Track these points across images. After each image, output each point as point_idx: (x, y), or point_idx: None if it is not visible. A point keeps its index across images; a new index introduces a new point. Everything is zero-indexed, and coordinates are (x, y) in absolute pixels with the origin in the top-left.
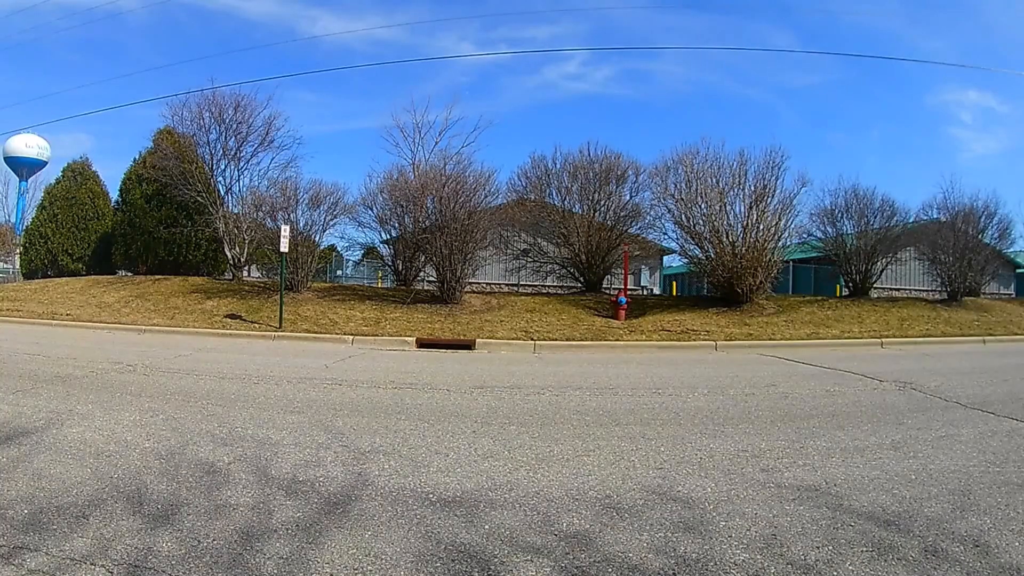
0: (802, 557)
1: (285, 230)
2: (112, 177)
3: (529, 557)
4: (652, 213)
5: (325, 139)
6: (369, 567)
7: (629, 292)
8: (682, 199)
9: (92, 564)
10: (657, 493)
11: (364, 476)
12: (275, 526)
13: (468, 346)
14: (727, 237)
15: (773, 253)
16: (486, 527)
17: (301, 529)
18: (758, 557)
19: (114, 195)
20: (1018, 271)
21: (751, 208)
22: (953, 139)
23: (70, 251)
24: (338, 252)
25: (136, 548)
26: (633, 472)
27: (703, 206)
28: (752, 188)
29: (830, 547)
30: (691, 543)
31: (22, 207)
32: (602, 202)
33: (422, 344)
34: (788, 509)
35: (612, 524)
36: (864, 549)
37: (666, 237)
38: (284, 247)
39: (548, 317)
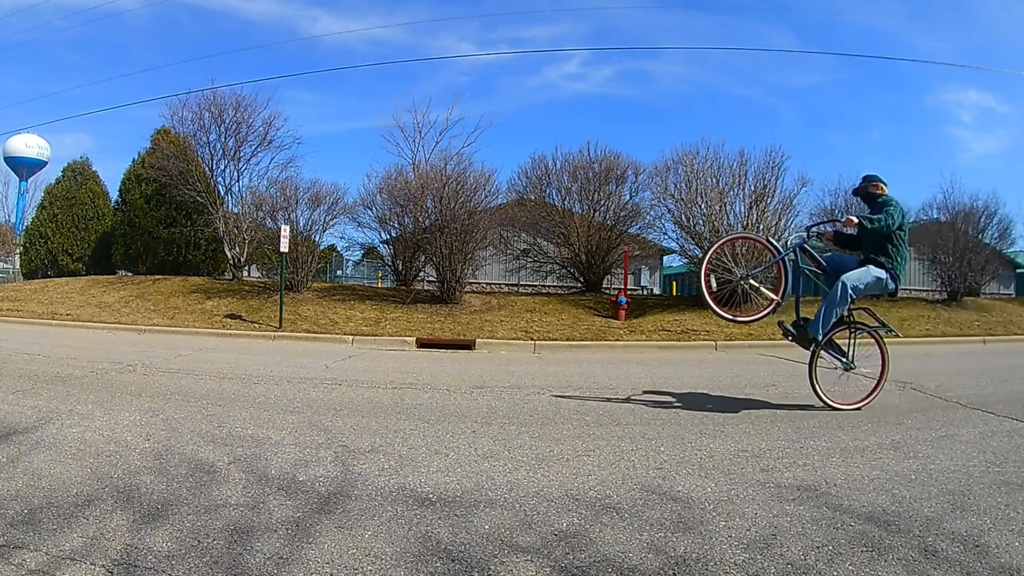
0: (801, 557)
1: (285, 230)
2: (112, 177)
3: (528, 557)
4: (652, 213)
5: (325, 139)
6: (368, 567)
7: (629, 292)
8: (682, 199)
9: (90, 563)
10: (657, 493)
11: (364, 476)
12: (273, 525)
13: (468, 346)
14: None
15: None
16: (486, 527)
17: (300, 528)
18: (758, 557)
19: (114, 195)
20: (1018, 271)
21: (751, 208)
22: (953, 139)
23: (70, 251)
24: (338, 252)
25: (133, 546)
26: (633, 472)
27: (703, 206)
28: (752, 188)
29: (830, 547)
30: (690, 543)
31: (22, 207)
32: (602, 202)
33: (422, 344)
34: (788, 509)
35: (612, 524)
36: (863, 549)
37: (666, 237)
38: (284, 247)
39: (548, 317)
